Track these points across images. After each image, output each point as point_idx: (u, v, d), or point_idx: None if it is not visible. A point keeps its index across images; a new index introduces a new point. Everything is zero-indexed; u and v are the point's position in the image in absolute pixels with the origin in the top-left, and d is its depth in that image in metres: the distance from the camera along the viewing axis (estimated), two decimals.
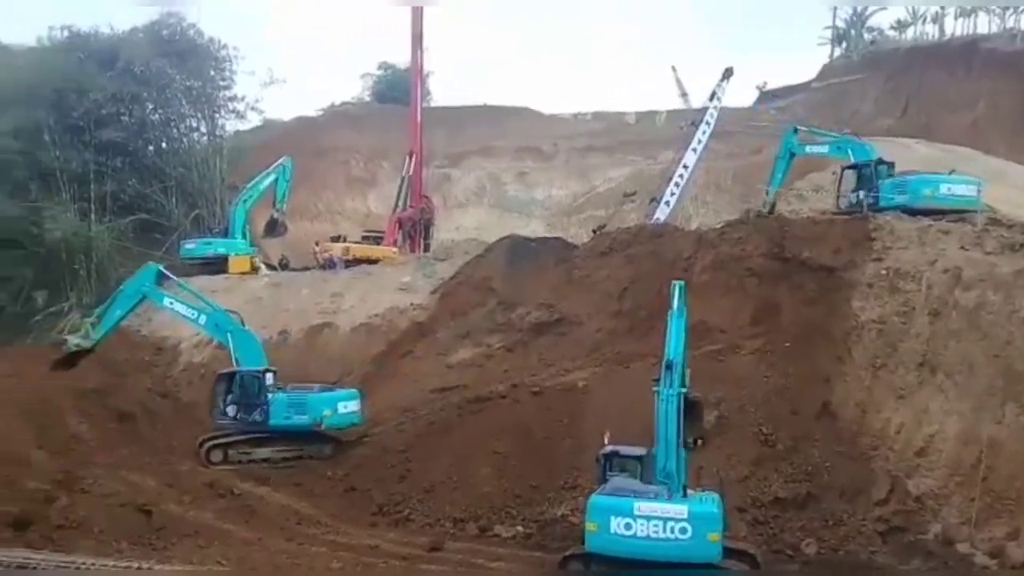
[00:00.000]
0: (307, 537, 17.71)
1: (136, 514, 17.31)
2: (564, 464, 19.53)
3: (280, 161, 36.96)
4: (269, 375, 22.59)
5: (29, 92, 36.51)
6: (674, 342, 15.27)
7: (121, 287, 23.91)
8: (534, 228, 42.66)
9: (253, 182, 36.52)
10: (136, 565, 13.93)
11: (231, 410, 22.42)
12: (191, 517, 17.94)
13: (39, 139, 36.36)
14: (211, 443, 22.27)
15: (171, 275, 24.19)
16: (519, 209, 49.85)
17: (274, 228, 37.07)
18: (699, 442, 15.50)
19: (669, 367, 14.97)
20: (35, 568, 8.80)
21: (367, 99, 62.71)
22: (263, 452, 22.27)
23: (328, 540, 17.61)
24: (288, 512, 19.26)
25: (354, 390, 23.60)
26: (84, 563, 9.46)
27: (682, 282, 16.54)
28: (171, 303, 23.22)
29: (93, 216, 36.95)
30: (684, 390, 14.93)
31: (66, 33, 40.41)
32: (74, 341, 23.51)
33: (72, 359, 23.28)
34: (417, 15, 40.03)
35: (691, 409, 15.12)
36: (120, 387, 25.89)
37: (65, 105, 37.18)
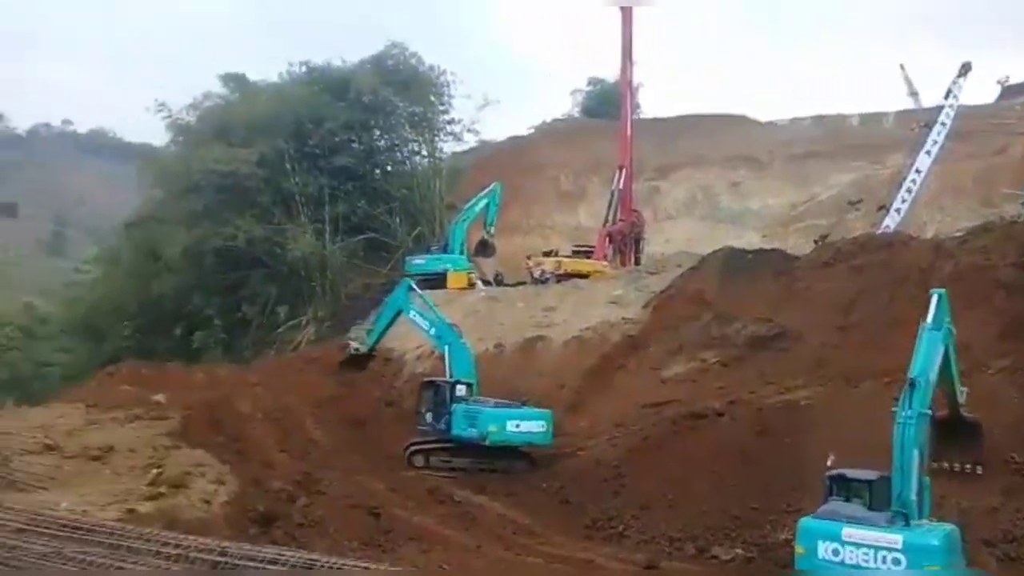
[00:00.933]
0: (523, 547, 17.94)
1: (366, 516, 18.31)
2: (786, 486, 18.48)
3: (491, 186, 38.32)
4: (461, 387, 23.29)
5: (272, 124, 40.08)
6: (922, 359, 13.96)
7: (387, 300, 25.78)
8: (748, 239, 41.10)
9: (469, 204, 38.14)
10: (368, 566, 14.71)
11: (428, 417, 23.48)
12: (415, 521, 18.71)
13: (281, 167, 39.80)
14: (413, 448, 23.22)
15: (417, 290, 25.65)
16: (732, 220, 48.33)
17: (485, 249, 38.39)
18: (977, 468, 14.13)
19: (912, 386, 13.71)
20: (285, 565, 9.46)
21: (576, 115, 63.42)
22: (460, 461, 22.81)
23: (543, 551, 17.75)
24: (504, 521, 19.63)
25: (542, 411, 23.37)
26: (328, 561, 10.07)
27: (942, 291, 15.10)
28: (414, 315, 25.14)
29: (327, 236, 39.92)
30: (929, 411, 13.69)
31: (303, 68, 44.12)
32: (354, 346, 27.71)
33: (357, 361, 26.80)
34: (627, 20, 39.91)
35: (967, 431, 13.81)
36: (352, 396, 27.65)
37: (303, 135, 40.49)
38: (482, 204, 38.02)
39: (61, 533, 9.80)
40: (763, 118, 61.22)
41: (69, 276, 78.55)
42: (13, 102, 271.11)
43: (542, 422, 22.88)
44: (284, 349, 36.71)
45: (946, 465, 16.33)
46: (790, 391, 22.19)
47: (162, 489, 14.66)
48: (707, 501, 18.99)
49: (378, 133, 45.01)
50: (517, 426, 22.65)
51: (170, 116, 43.28)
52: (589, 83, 64.05)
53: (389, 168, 46.23)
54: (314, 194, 40.33)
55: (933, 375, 14.12)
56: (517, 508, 20.41)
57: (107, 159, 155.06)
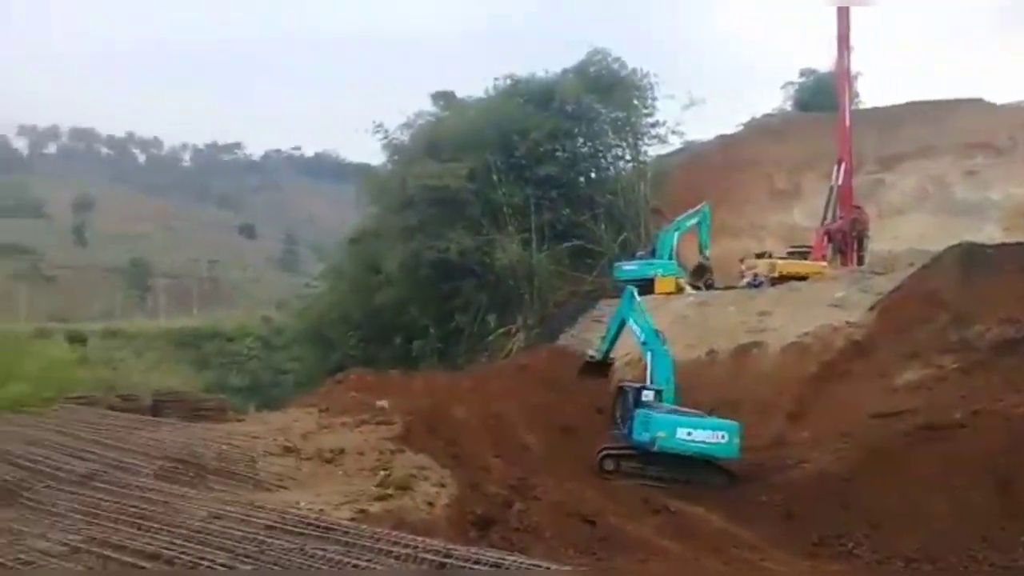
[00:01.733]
0: (744, 562, 17.15)
1: (581, 523, 18.22)
2: None
3: (700, 207, 37.48)
4: (648, 392, 22.76)
5: (480, 138, 41.33)
6: None
7: (618, 308, 26.01)
8: (989, 233, 37.36)
9: (680, 218, 37.50)
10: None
11: (619, 422, 23.35)
12: (630, 530, 18.41)
13: (488, 179, 40.94)
14: (604, 453, 22.99)
15: (636, 297, 25.49)
16: (969, 212, 44.05)
17: (702, 273, 37.31)
18: None
19: None
20: (508, 568, 9.54)
21: (789, 109, 60.59)
22: (653, 470, 22.22)
23: (766, 567, 16.89)
24: (723, 534, 18.88)
25: (724, 422, 22.23)
26: (549, 567, 10.06)
27: None
28: (632, 321, 24.77)
29: (534, 245, 40.58)
30: None
31: (508, 82, 45.11)
32: (589, 353, 27.48)
33: (594, 369, 26.58)
34: (843, 16, 37.69)
35: None
36: (563, 403, 27.76)
37: (509, 147, 41.43)
38: (692, 222, 37.24)
39: (305, 531, 10.40)
40: (1000, 100, 55.56)
41: (300, 290, 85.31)
42: (249, 131, 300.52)
43: (722, 433, 21.76)
44: (495, 356, 37.65)
45: None
46: None
47: (390, 491, 15.28)
48: (947, 520, 17.32)
49: (581, 140, 45.20)
50: (689, 434, 21.77)
51: (386, 136, 45.80)
52: (801, 75, 61.03)
53: (593, 175, 46.30)
54: (520, 204, 41.14)
55: None
56: (736, 521, 19.57)
57: (330, 180, 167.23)
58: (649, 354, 23.80)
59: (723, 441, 21.85)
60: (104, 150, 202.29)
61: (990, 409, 20.03)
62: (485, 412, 25.40)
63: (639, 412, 22.70)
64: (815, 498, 19.48)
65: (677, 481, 22.03)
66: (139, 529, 10.42)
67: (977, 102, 54.45)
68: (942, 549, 16.74)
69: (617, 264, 38.25)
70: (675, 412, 22.76)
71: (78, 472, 13.90)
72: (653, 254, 37.12)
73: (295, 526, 10.71)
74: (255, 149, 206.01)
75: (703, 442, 21.85)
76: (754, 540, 18.52)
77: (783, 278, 33.89)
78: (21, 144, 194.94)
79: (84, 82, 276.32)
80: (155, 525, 10.58)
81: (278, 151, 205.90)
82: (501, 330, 39.48)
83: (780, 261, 35.44)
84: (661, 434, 22.03)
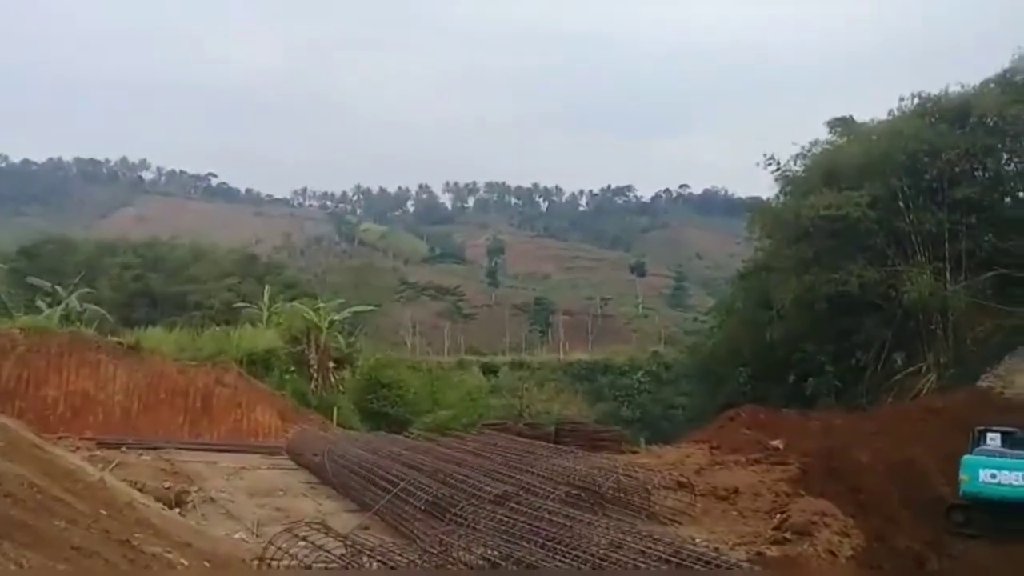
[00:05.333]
0: None
1: None
2: None
3: None
4: (993, 435, 20.43)
5: (883, 163, 38.41)
6: None
7: None
8: None
9: None
10: None
11: None
12: None
13: (893, 206, 37.85)
14: (953, 504, 20.54)
15: None
16: None
17: None
18: None
19: None
20: None
21: None
22: (1007, 522, 19.32)
23: None
24: None
25: None
26: None
27: None
28: None
29: (948, 275, 36.59)
30: None
31: (916, 100, 41.44)
32: None
33: None
34: None
35: None
36: None
37: (917, 169, 37.99)
38: None
39: (702, 568, 10.42)
40: None
41: (689, 326, 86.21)
42: (640, 175, 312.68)
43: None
44: (902, 397, 34.43)
45: None
46: None
47: (788, 535, 14.72)
48: None
49: (1006, 157, 39.87)
50: (992, 476, 19.22)
51: (778, 168, 44.56)
52: None
53: (1021, 195, 40.57)
54: (931, 231, 37.35)
55: None
56: None
57: (719, 216, 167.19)
58: None
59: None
60: (513, 200, 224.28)
61: None
62: (892, 458, 23.32)
63: (967, 459, 20.20)
64: None
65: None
66: (548, 550, 11.20)
67: None
68: None
69: None
70: (1007, 455, 19.82)
71: (495, 492, 15.35)
72: None
73: (692, 563, 10.75)
74: (645, 191, 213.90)
75: (1009, 484, 19.14)
76: None
77: None
78: (447, 198, 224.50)
79: (496, 140, 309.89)
80: (562, 547, 11.30)
81: (667, 191, 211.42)
82: (909, 369, 36.00)
83: None
84: (964, 478, 19.81)
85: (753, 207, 52.75)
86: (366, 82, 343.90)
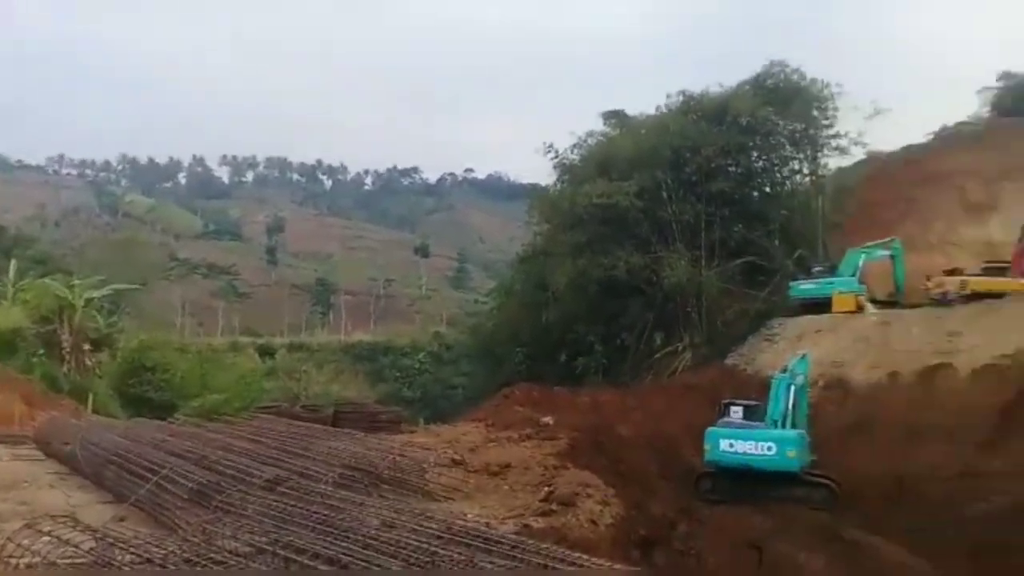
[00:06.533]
0: None
1: (748, 550, 17.69)
2: None
3: (889, 240, 35.78)
4: (736, 408, 22.87)
5: (651, 156, 40.96)
6: None
7: None
8: None
9: (871, 245, 35.84)
10: None
11: None
12: (801, 560, 17.68)
13: (658, 196, 40.50)
14: (701, 473, 23.09)
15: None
16: None
17: (893, 306, 35.12)
18: None
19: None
20: None
21: (985, 115, 56.16)
22: (740, 489, 22.15)
23: None
24: (904, 568, 17.77)
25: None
26: None
27: None
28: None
29: (703, 262, 39.73)
30: None
31: (680, 97, 44.48)
32: None
33: None
34: None
35: None
36: None
37: (680, 163, 40.85)
38: (882, 253, 35.54)
39: (472, 543, 10.67)
40: None
41: (471, 307, 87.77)
42: (426, 157, 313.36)
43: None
44: (661, 375, 37.10)
45: None
46: None
47: (553, 506, 15.44)
48: None
49: (756, 155, 43.82)
50: (731, 445, 21.76)
51: (556, 156, 46.30)
52: (999, 79, 56.47)
53: (767, 190, 44.78)
54: (690, 221, 40.42)
55: None
56: (919, 554, 18.34)
57: (502, 200, 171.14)
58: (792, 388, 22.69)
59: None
60: (295, 177, 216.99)
61: None
62: (651, 431, 25.13)
63: (709, 430, 22.71)
64: (1010, 534, 17.89)
65: (774, 498, 21.36)
66: (319, 534, 11.04)
67: None
68: None
69: (793, 282, 36.80)
70: (733, 425, 22.43)
71: (265, 478, 14.91)
72: (832, 271, 35.47)
73: (462, 537, 11.01)
74: (431, 173, 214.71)
75: (746, 453, 21.59)
76: (937, 575, 17.31)
77: (976, 296, 31.42)
78: (223, 172, 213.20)
79: (277, 113, 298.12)
80: (333, 530, 11.17)
81: (452, 174, 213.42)
82: (668, 348, 38.85)
83: (972, 278, 32.85)
84: (707, 447, 22.30)
85: (533, 193, 54.46)
86: (133, 44, 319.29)
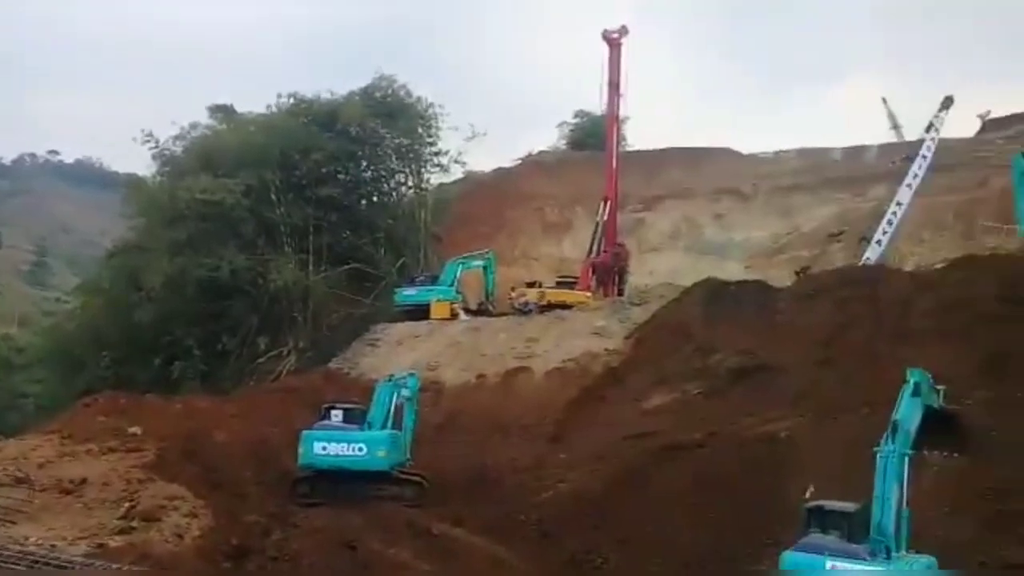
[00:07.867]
0: None
1: (343, 550, 18.09)
2: (766, 518, 18.39)
3: (485, 252, 39.13)
4: (336, 411, 22.92)
5: (259, 155, 40.05)
6: (905, 408, 15.21)
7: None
8: (731, 271, 41.20)
9: (468, 256, 38.73)
10: None
11: None
12: (391, 555, 18.50)
13: (266, 197, 39.74)
14: (296, 477, 22.85)
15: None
16: (716, 252, 48.36)
17: (484, 314, 38.13)
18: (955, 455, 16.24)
19: (895, 429, 14.57)
20: None
21: (563, 147, 63.72)
22: (341, 490, 22.27)
23: None
24: (482, 555, 19.43)
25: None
26: None
27: (919, 372, 16.22)
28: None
29: (311, 266, 39.82)
30: (909, 451, 14.65)
31: (291, 100, 44.14)
32: None
33: None
34: (615, 54, 40.25)
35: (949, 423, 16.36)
36: None
37: (290, 165, 40.52)
38: (477, 263, 38.59)
39: (29, 569, 9.61)
40: (747, 151, 61.83)
41: (50, 306, 78.23)
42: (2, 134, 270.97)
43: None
44: (264, 379, 36.41)
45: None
46: (771, 423, 22.23)
47: (134, 523, 14.47)
48: (687, 534, 18.87)
49: (364, 164, 45.03)
50: (324, 448, 22.05)
51: (157, 146, 43.25)
52: (576, 115, 64.41)
53: (375, 199, 46.23)
54: (299, 224, 40.28)
55: (913, 426, 15.11)
56: (495, 541, 20.20)
57: (93, 188, 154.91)
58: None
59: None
60: None
61: (726, 431, 22.10)
62: (249, 437, 24.54)
63: (304, 434, 22.48)
64: (570, 517, 20.50)
65: (361, 499, 21.83)
66: None
67: (726, 151, 60.25)
68: (681, 562, 18.20)
69: (398, 289, 38.39)
70: (330, 428, 22.56)
71: None
72: (434, 280, 37.68)
73: (19, 563, 9.85)
74: (6, 152, 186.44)
75: (339, 455, 22.04)
76: (511, 559, 19.20)
77: (551, 306, 35.54)
78: None
79: None
80: None
81: (33, 155, 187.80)
82: (272, 352, 38.26)
83: (549, 290, 37.14)
84: (301, 450, 22.18)
85: (130, 183, 50.26)
86: None
